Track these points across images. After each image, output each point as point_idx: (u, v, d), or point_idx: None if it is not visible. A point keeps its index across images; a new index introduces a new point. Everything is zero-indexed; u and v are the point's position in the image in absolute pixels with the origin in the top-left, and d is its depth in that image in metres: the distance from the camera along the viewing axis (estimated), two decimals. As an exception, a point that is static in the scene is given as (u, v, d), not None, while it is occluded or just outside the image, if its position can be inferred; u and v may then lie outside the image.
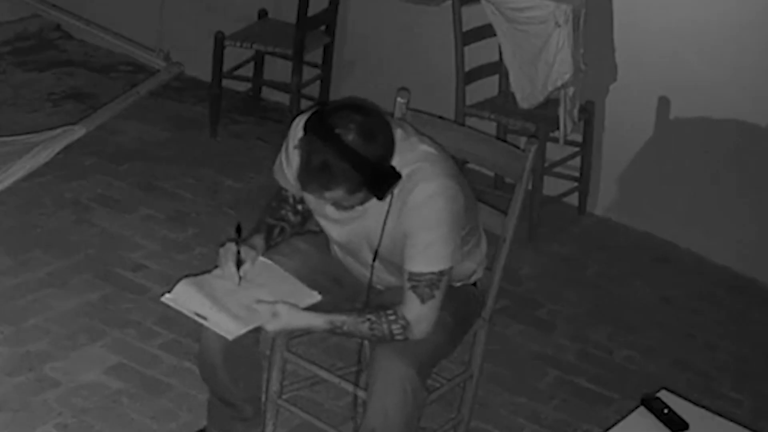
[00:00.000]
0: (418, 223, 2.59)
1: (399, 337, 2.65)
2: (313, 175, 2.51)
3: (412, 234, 2.61)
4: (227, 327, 2.59)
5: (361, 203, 2.63)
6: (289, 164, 2.79)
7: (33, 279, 3.84)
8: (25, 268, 3.89)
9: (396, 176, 2.56)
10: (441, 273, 2.63)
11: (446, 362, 3.26)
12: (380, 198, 2.57)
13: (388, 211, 2.62)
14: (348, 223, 2.72)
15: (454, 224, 2.62)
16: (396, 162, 2.59)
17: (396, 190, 2.60)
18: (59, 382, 3.34)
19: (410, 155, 2.61)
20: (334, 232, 2.79)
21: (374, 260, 2.71)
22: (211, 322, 2.60)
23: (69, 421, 3.19)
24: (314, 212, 2.82)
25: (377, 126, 2.54)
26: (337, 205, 2.62)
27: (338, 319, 2.66)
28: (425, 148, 2.66)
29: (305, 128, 2.55)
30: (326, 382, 3.11)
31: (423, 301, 2.63)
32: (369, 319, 2.64)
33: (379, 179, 2.54)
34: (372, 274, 2.74)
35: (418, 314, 2.64)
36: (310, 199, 2.76)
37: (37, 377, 3.35)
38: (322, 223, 2.81)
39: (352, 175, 2.50)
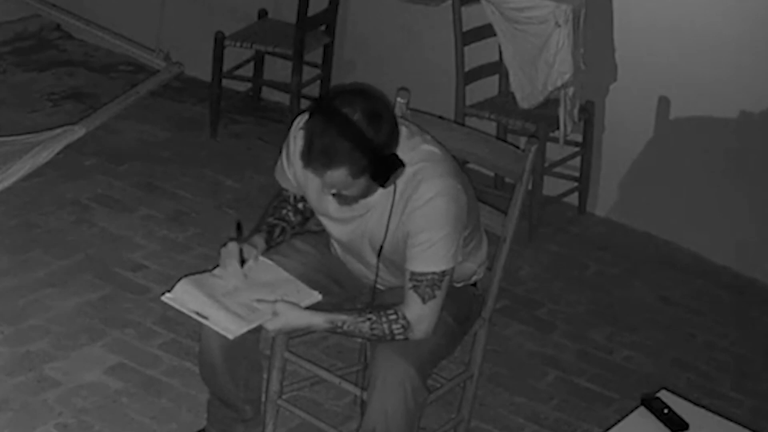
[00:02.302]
0: (421, 223, 2.59)
1: (399, 337, 2.65)
2: (316, 152, 2.48)
3: (414, 234, 2.60)
4: (228, 326, 2.59)
5: (364, 195, 2.61)
6: (290, 164, 2.79)
7: (33, 279, 3.83)
8: (25, 268, 3.89)
9: (399, 164, 2.54)
10: (443, 273, 2.63)
11: (446, 362, 3.26)
12: (383, 185, 2.55)
13: (391, 210, 2.62)
14: (350, 222, 2.72)
15: (457, 224, 2.62)
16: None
17: (399, 188, 2.60)
18: (59, 382, 3.34)
19: (413, 154, 2.61)
20: (335, 231, 2.78)
21: (379, 257, 2.70)
22: (212, 321, 2.60)
23: (69, 421, 3.19)
24: (316, 211, 2.82)
25: (383, 111, 2.53)
26: (339, 196, 2.61)
27: (339, 318, 2.66)
28: (428, 147, 2.66)
29: (311, 111, 2.54)
30: (326, 382, 3.11)
31: (424, 301, 2.63)
32: (369, 319, 2.64)
33: (383, 165, 2.52)
34: (377, 274, 2.74)
35: (419, 314, 2.64)
36: (312, 197, 2.76)
37: (37, 377, 3.35)
38: (324, 221, 2.80)
39: (355, 156, 2.47)
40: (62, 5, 6.03)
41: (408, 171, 2.59)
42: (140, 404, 3.31)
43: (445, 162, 2.66)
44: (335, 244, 2.89)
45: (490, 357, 3.49)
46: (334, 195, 2.62)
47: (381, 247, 2.67)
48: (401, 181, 2.60)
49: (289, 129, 2.78)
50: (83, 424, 3.19)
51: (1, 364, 3.37)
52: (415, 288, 2.63)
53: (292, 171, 2.79)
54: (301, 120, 2.70)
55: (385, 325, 2.63)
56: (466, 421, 3.13)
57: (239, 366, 2.87)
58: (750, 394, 3.81)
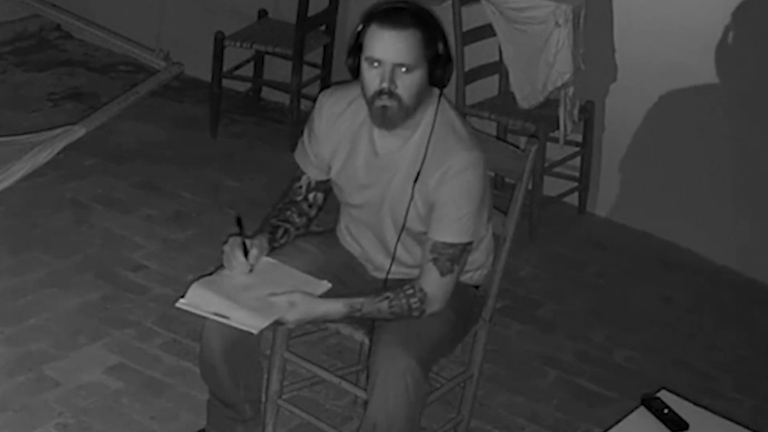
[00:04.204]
0: (451, 193, 2.64)
1: (416, 313, 2.69)
2: (405, 8, 2.61)
3: (443, 204, 2.65)
4: (250, 322, 2.58)
5: (411, 104, 2.61)
6: (313, 140, 2.80)
7: (33, 279, 3.84)
8: (25, 268, 3.89)
9: (451, 62, 2.66)
10: (463, 248, 2.68)
11: (446, 362, 3.27)
12: (435, 83, 2.64)
13: (417, 177, 2.65)
14: (373, 187, 2.74)
15: (484, 197, 2.69)
16: (426, 121, 2.66)
17: (421, 153, 2.65)
18: (59, 382, 3.34)
19: (439, 123, 2.67)
20: (358, 199, 2.79)
21: (404, 227, 2.73)
22: (233, 320, 2.59)
23: (69, 421, 3.19)
24: (338, 180, 2.81)
25: None
26: (389, 96, 2.58)
27: (356, 301, 2.68)
28: (454, 117, 2.71)
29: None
30: (326, 382, 3.12)
31: (443, 274, 2.67)
32: (388, 297, 2.68)
33: (446, 55, 2.65)
34: (395, 249, 2.77)
35: (436, 287, 2.68)
36: (338, 164, 2.76)
37: (37, 377, 3.35)
38: (346, 195, 2.81)
39: (434, 25, 2.64)
40: (62, 5, 6.04)
41: (433, 139, 2.64)
42: (140, 404, 3.31)
43: (470, 134, 2.71)
44: (349, 225, 2.90)
45: (490, 357, 3.49)
46: (384, 95, 2.58)
47: (406, 213, 2.70)
48: (424, 139, 2.65)
49: (311, 109, 2.82)
50: (83, 424, 3.19)
51: (1, 364, 3.38)
52: (435, 261, 2.67)
53: (315, 149, 2.81)
54: (324, 95, 2.78)
55: (404, 300, 2.67)
56: (466, 421, 3.13)
57: (239, 366, 2.87)
58: (750, 394, 3.81)
